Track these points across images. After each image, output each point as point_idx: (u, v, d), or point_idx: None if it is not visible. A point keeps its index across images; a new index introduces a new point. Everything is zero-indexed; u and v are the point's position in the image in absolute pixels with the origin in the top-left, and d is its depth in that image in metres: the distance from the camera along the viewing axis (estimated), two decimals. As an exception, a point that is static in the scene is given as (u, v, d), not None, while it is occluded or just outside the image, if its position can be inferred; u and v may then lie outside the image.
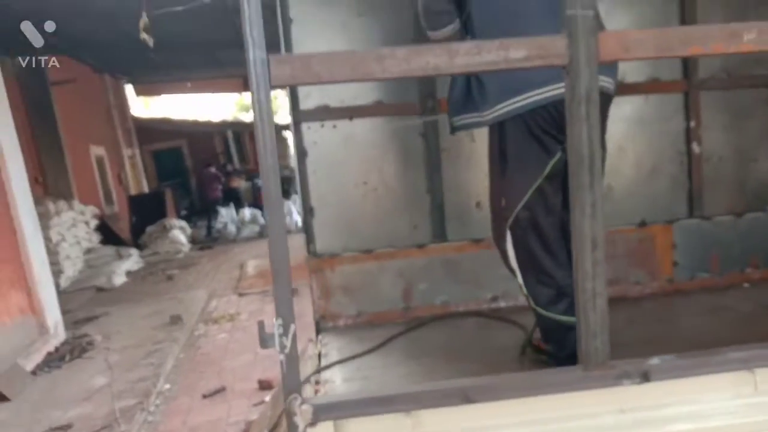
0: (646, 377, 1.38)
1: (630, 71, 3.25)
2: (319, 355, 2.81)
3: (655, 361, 1.40)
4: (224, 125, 20.29)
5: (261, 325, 1.32)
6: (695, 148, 3.39)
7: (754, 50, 1.32)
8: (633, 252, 3.35)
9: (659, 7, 3.32)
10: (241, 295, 8.59)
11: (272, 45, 3.05)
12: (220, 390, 5.10)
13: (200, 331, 7.05)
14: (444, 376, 2.09)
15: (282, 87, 1.57)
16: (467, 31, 2.19)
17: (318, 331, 3.11)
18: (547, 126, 1.99)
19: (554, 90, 1.90)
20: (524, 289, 2.24)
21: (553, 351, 2.25)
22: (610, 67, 2.07)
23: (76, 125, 11.22)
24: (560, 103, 1.62)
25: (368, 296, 3.14)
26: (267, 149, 1.21)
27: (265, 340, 1.28)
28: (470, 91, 2.16)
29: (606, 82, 2.03)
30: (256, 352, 5.73)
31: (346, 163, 3.18)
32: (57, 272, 8.45)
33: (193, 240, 13.73)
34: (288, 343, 1.27)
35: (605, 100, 2.04)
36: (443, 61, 1.25)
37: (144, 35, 5.04)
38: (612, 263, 3.32)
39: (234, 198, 16.06)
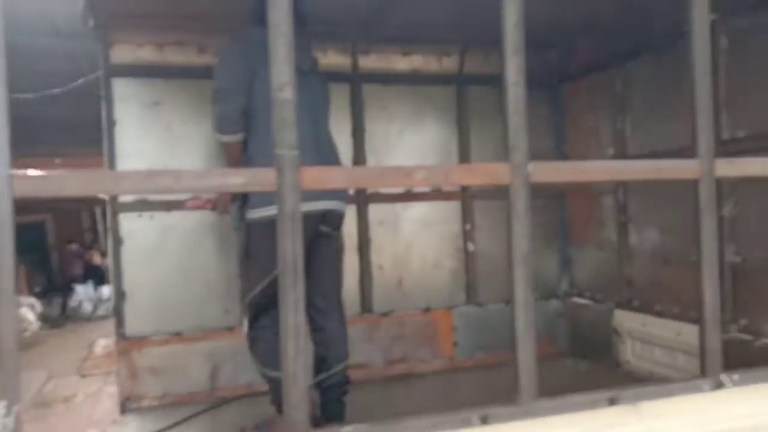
0: (339, 444, 1.57)
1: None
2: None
3: (348, 428, 1.60)
4: (92, 201, 19.16)
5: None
6: (470, 246, 3.86)
7: (423, 184, 1.64)
8: (419, 334, 3.66)
9: (440, 130, 3.84)
10: (83, 376, 7.92)
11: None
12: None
13: (29, 415, 6.39)
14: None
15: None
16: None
17: (122, 412, 3.04)
18: None
19: None
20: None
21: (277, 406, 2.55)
22: (342, 192, 2.57)
23: None
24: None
25: (175, 378, 3.14)
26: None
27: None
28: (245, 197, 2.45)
29: (336, 205, 2.51)
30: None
31: (162, 251, 3.24)
32: None
33: (44, 318, 12.55)
34: (11, 424, 1.32)
35: (338, 218, 2.56)
36: (171, 182, 1.45)
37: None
38: (401, 343, 3.63)
39: (96, 275, 15.02)
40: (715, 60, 2.66)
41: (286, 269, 1.56)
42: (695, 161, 1.88)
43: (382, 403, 3.20)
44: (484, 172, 1.74)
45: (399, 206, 3.72)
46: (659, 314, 3.09)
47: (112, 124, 3.15)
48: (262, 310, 2.46)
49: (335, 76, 3.59)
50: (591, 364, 3.63)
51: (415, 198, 3.69)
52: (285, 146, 1.57)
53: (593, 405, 1.83)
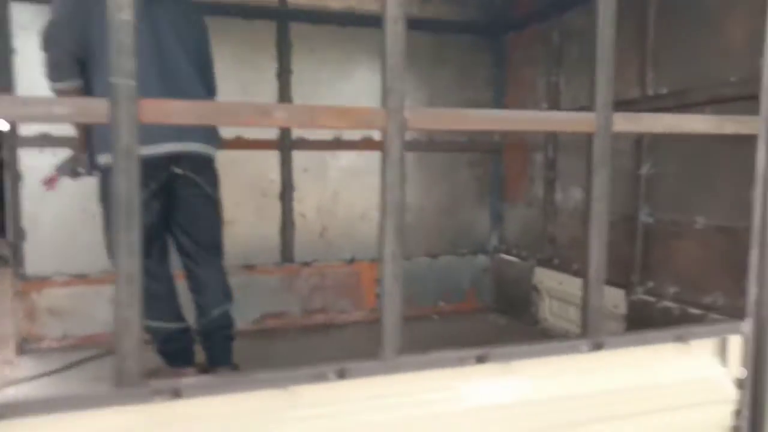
0: (177, 394, 1.48)
1: (348, 131, 3.53)
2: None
3: (189, 380, 1.51)
4: None
5: None
6: (399, 198, 3.74)
7: (283, 124, 1.51)
8: (341, 285, 3.59)
9: (377, 79, 3.66)
10: None
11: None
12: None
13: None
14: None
15: None
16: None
17: (19, 353, 2.93)
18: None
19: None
20: None
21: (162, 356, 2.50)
22: (203, 134, 2.35)
23: None
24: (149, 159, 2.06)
25: (77, 320, 3.03)
26: None
27: None
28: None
29: (194, 147, 2.33)
30: None
31: (66, 189, 3.06)
32: None
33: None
34: None
35: (201, 161, 2.37)
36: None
37: None
38: (321, 294, 3.55)
39: None
40: (644, 11, 2.52)
41: (119, 211, 1.43)
42: (591, 114, 1.77)
43: (294, 352, 3.15)
44: (355, 116, 1.61)
45: (326, 154, 3.58)
46: (576, 273, 3.05)
47: (10, 53, 2.91)
48: None
49: (259, 11, 3.38)
50: (511, 321, 3.62)
51: (343, 146, 3.54)
52: (121, 74, 1.41)
53: (461, 362, 1.78)
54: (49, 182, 2.49)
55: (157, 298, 2.42)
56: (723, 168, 2.18)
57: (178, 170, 2.35)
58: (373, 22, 3.55)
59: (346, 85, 3.55)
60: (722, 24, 2.13)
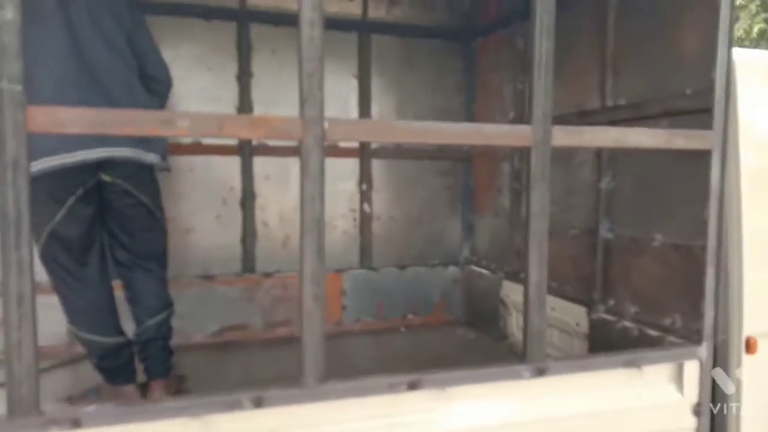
0: (77, 424, 1.40)
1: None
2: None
3: (90, 408, 1.43)
4: None
5: None
6: (366, 207, 3.67)
7: (189, 134, 1.44)
8: (304, 296, 3.50)
9: (338, 81, 3.58)
10: None
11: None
12: None
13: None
14: None
15: None
16: None
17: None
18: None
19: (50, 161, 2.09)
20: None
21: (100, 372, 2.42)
22: (135, 138, 2.22)
23: None
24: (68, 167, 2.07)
25: None
26: None
27: None
28: None
29: (120, 153, 2.21)
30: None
31: None
32: None
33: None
34: None
35: (133, 167, 2.27)
36: None
37: None
38: (285, 306, 3.47)
39: None
40: (603, 18, 2.45)
41: (6, 227, 1.35)
42: (527, 127, 1.69)
43: (253, 366, 3.06)
44: (268, 126, 1.52)
45: (289, 160, 3.48)
46: (539, 288, 2.96)
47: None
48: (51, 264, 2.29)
49: (219, 12, 3.30)
50: (480, 335, 3.53)
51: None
52: (5, 79, 1.34)
53: (391, 389, 1.69)
54: None
55: (94, 309, 2.34)
56: (679, 184, 2.10)
57: (106, 177, 2.27)
58: (335, 24, 3.52)
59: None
60: (678, 34, 2.06)
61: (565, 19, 2.82)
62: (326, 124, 1.50)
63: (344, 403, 1.62)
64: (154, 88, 2.45)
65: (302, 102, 1.48)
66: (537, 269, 1.74)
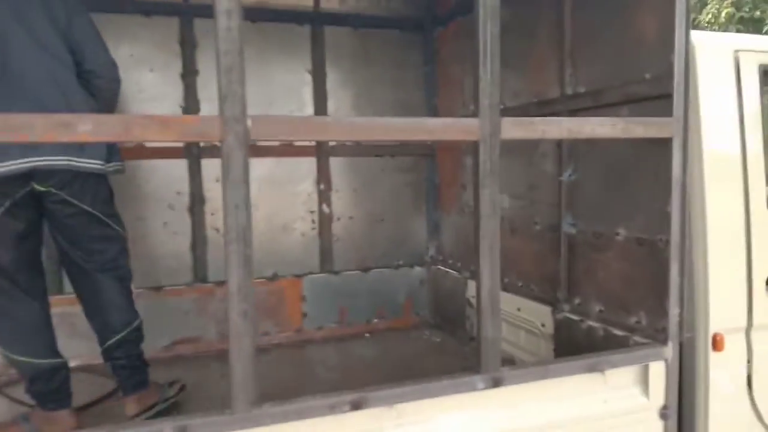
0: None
1: (265, 134, 3.32)
2: None
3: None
4: None
5: None
6: (325, 208, 3.55)
7: (91, 140, 1.30)
8: (262, 304, 3.37)
9: (292, 77, 3.45)
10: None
11: None
12: None
13: None
14: None
15: None
16: None
17: None
18: None
19: None
20: None
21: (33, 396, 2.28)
22: (71, 145, 2.10)
23: None
24: None
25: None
26: None
27: None
28: None
29: (57, 161, 2.08)
30: None
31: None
32: None
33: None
34: None
35: (70, 175, 2.13)
36: None
37: None
38: (240, 315, 3.32)
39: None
40: (561, 3, 2.35)
41: None
42: (474, 121, 1.59)
43: (206, 381, 2.92)
44: (182, 127, 1.38)
45: (241, 161, 3.35)
46: (505, 287, 2.87)
47: None
48: None
49: (161, 7, 3.14)
50: (447, 337, 3.44)
51: (260, 152, 3.30)
52: None
53: (332, 409, 1.57)
54: None
55: (25, 329, 2.20)
56: (641, 175, 2.02)
57: (39, 187, 2.12)
58: (286, 17, 3.39)
59: (257, 87, 3.33)
60: (635, 18, 1.97)
61: (522, 6, 2.75)
62: (249, 122, 1.38)
63: (280, 428, 1.50)
64: (97, 85, 2.27)
65: (221, 99, 1.35)
66: (489, 275, 1.64)
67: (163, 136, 1.34)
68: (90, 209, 2.23)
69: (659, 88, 1.85)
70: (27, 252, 2.20)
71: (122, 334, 2.35)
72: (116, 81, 2.37)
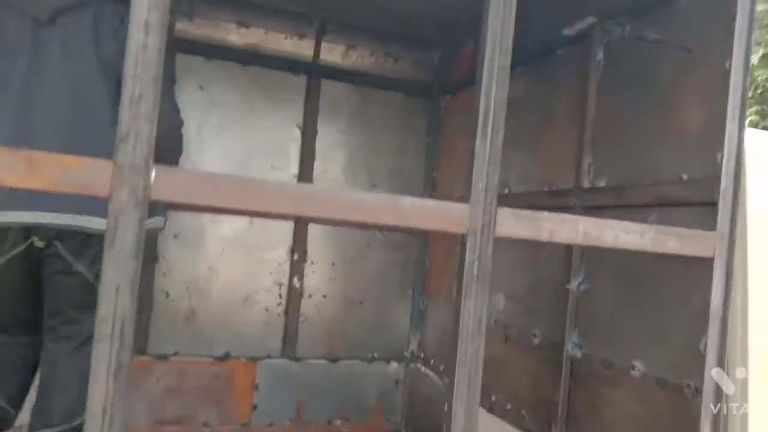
0: None
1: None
2: None
3: None
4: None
5: None
6: (296, 281, 3.19)
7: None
8: (206, 388, 2.96)
9: (278, 127, 3.19)
10: None
11: None
12: None
13: None
14: None
15: None
16: None
17: None
18: None
19: None
20: None
21: None
22: (79, 200, 1.80)
23: None
24: None
25: None
26: None
27: None
28: None
29: (61, 218, 1.82)
30: None
31: None
32: None
33: None
34: None
35: (72, 234, 1.86)
36: None
37: None
38: (179, 399, 2.91)
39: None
40: (584, 80, 2.08)
41: None
42: (465, 207, 1.26)
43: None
44: (56, 172, 1.05)
45: (206, 218, 3.04)
46: (490, 407, 2.47)
47: None
48: None
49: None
50: (419, 454, 2.99)
51: (229, 210, 3.00)
52: None
53: None
54: None
55: None
56: (669, 294, 1.67)
57: (39, 243, 1.85)
58: (283, 65, 3.17)
59: (236, 135, 3.06)
60: (673, 103, 1.68)
61: (540, 77, 2.51)
62: (153, 175, 1.05)
63: None
64: None
65: (119, 140, 1.03)
66: (465, 414, 1.25)
67: (27, 182, 1.02)
68: (82, 270, 1.89)
69: (700, 193, 1.53)
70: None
71: (58, 428, 1.94)
72: (169, 128, 2.06)
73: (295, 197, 1.16)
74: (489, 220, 1.25)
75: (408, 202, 1.39)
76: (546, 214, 1.33)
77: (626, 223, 1.43)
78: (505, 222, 1.26)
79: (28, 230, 1.84)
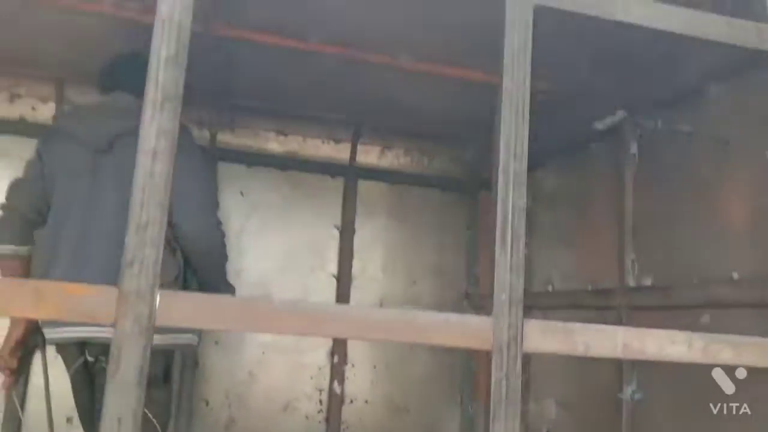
0: None
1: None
2: None
3: None
4: None
5: None
6: (336, 387, 3.08)
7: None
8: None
9: (317, 229, 3.20)
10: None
11: None
12: None
13: None
14: None
15: None
16: None
17: None
18: None
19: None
20: None
21: None
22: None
23: None
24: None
25: None
26: None
27: None
28: None
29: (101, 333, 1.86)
30: None
31: None
32: None
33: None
34: None
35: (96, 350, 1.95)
36: None
37: None
38: None
39: None
40: (620, 172, 2.01)
41: None
42: (488, 321, 1.18)
43: None
44: (66, 300, 1.04)
45: (245, 322, 3.01)
46: None
47: None
48: None
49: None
50: None
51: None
52: None
53: None
54: None
55: None
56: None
57: (90, 357, 1.97)
58: (320, 168, 3.23)
59: (280, 234, 3.09)
60: (717, 198, 1.58)
61: (575, 177, 2.44)
62: (158, 300, 1.02)
63: None
64: (183, 246, 2.00)
65: (125, 266, 1.02)
66: None
67: (35, 312, 1.01)
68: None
69: (752, 294, 1.40)
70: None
71: None
72: (199, 235, 2.01)
73: (301, 317, 1.11)
74: (515, 333, 1.16)
75: (424, 317, 1.32)
76: (578, 325, 1.23)
77: (672, 332, 1.31)
78: (533, 335, 1.16)
79: (83, 345, 1.96)
